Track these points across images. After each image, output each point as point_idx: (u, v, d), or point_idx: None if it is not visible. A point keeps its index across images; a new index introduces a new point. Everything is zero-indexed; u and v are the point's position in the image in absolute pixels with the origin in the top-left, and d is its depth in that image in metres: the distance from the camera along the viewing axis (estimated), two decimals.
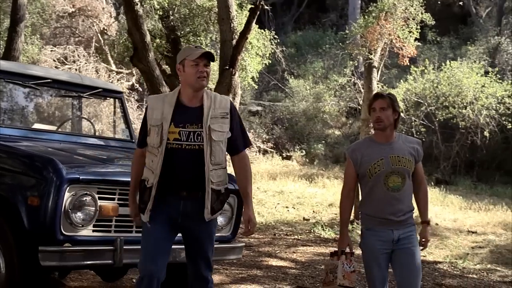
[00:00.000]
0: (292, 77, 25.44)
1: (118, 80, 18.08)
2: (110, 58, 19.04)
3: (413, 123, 19.87)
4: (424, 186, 4.60)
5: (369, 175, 4.35)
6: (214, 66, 17.24)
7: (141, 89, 19.19)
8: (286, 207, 13.65)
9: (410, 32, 17.39)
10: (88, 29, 19.63)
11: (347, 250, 4.46)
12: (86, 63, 17.72)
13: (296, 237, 10.64)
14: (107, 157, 5.36)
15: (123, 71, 18.72)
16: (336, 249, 4.55)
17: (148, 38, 11.21)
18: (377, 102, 4.41)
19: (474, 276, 8.63)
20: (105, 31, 19.32)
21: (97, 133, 6.84)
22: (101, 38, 19.18)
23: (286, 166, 20.12)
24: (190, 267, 4.21)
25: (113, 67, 18.89)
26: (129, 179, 4.31)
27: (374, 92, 18.71)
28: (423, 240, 4.48)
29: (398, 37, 17.37)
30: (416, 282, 4.35)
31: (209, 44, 16.72)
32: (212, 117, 4.02)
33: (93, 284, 6.23)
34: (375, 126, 4.42)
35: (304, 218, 12.57)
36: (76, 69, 17.02)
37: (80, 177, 4.38)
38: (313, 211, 13.33)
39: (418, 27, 17.35)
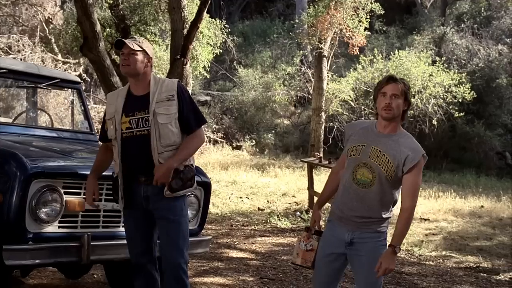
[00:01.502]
0: (241, 67, 25.35)
1: (65, 70, 17.64)
2: (56, 48, 18.59)
3: (362, 112, 20.06)
4: (407, 204, 3.75)
5: (346, 156, 3.93)
6: (164, 56, 17.09)
7: (89, 79, 18.81)
8: (240, 197, 13.59)
9: (359, 21, 17.54)
10: (32, 18, 19.11)
11: (316, 227, 4.05)
12: (31, 52, 17.25)
13: (253, 227, 10.59)
14: (69, 150, 5.16)
15: (70, 61, 18.32)
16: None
17: (98, 27, 10.95)
18: (389, 86, 3.81)
19: (431, 263, 8.74)
20: (50, 20, 18.85)
21: (54, 125, 6.62)
22: (46, 27, 18.71)
23: (237, 156, 20.07)
24: (161, 253, 4.22)
25: (59, 57, 18.44)
26: None
27: (325, 81, 18.92)
28: (380, 264, 3.70)
29: (348, 26, 17.50)
30: None
31: (158, 34, 16.50)
32: (158, 101, 4.13)
33: (53, 281, 6.04)
34: (382, 114, 3.81)
35: (259, 208, 12.54)
36: (21, 59, 16.54)
37: (45, 171, 4.22)
38: (268, 201, 13.31)
39: (368, 16, 17.49)
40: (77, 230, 4.41)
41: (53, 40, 18.67)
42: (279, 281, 6.82)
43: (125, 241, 4.34)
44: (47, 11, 18.88)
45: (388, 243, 3.79)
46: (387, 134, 3.84)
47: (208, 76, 19.54)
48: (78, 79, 6.40)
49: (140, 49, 4.16)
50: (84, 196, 4.37)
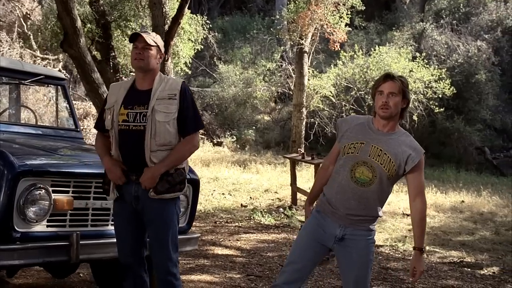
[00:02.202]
0: (221, 63, 25.28)
1: (43, 66, 17.45)
2: (34, 44, 18.37)
3: (343, 108, 20.10)
4: (419, 205, 3.76)
5: (342, 153, 3.83)
6: None
7: (68, 76, 18.61)
8: (223, 194, 13.54)
9: (340, 17, 17.55)
10: (10, 13, 18.85)
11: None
12: (9, 49, 17.01)
13: (237, 224, 10.54)
14: (56, 147, 5.07)
15: (49, 57, 18.11)
16: None
17: (79, 23, 10.83)
18: (386, 84, 3.75)
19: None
20: (28, 16, 18.61)
21: (38, 122, 6.51)
22: (24, 23, 18.48)
23: (218, 153, 20.02)
24: (151, 255, 4.16)
25: (38, 53, 18.23)
26: (84, 171, 4.48)
27: (306, 77, 18.93)
28: (414, 269, 3.75)
29: (329, 22, 17.51)
30: None
31: (138, 29, 16.35)
32: (159, 98, 4.04)
33: (39, 281, 5.95)
34: (379, 112, 3.76)
35: (241, 204, 12.49)
36: None
37: (33, 170, 4.13)
38: (250, 198, 13.27)
39: (349, 12, 17.51)
40: (66, 229, 4.32)
41: (31, 36, 18.44)
42: (266, 278, 6.80)
43: (114, 240, 4.28)
44: (25, 6, 18.63)
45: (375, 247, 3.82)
46: (386, 133, 3.80)
47: (190, 72, 19.45)
48: (62, 75, 6.30)
49: (155, 44, 4.08)
50: (72, 195, 4.30)
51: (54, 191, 4.25)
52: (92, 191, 4.43)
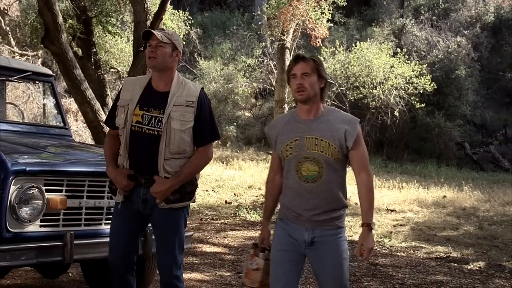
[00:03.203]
0: (201, 59, 25.17)
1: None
2: (12, 40, 18.12)
3: (325, 104, 20.07)
4: (365, 178, 3.56)
5: (282, 158, 3.62)
6: (126, 48, 16.85)
7: None
8: (207, 190, 13.48)
9: (322, 13, 17.53)
10: None
11: (264, 243, 3.77)
12: None
13: (222, 221, 10.50)
14: (47, 145, 4.99)
15: (28, 53, 17.87)
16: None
17: (60, 18, 10.69)
18: (298, 66, 3.54)
19: (403, 254, 8.77)
20: (6, 12, 18.36)
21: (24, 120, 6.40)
22: (1, 19, 18.21)
23: None
24: (157, 259, 4.09)
25: (17, 49, 17.99)
26: (77, 169, 4.38)
27: None
28: (362, 246, 3.53)
29: (311, 18, 17.48)
30: None
31: (120, 25, 16.22)
32: (176, 104, 3.88)
33: (27, 281, 5.86)
34: (296, 96, 3.56)
35: (226, 201, 12.45)
36: None
37: (27, 169, 4.03)
38: (234, 194, 13.23)
39: (330, 8, 17.49)
40: (59, 228, 4.25)
41: (9, 32, 18.19)
42: None
43: (108, 239, 4.16)
44: (2, 2, 18.38)
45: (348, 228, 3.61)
46: (314, 118, 3.57)
47: None
48: (50, 72, 6.19)
49: (169, 41, 3.89)
50: (65, 194, 4.22)
51: (47, 190, 4.17)
52: (85, 189, 4.36)
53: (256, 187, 14.04)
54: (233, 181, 14.65)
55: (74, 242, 4.17)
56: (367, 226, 3.53)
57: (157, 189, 3.83)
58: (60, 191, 4.25)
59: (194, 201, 4.39)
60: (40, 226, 4.16)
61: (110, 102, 13.74)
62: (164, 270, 4.01)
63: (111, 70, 18.01)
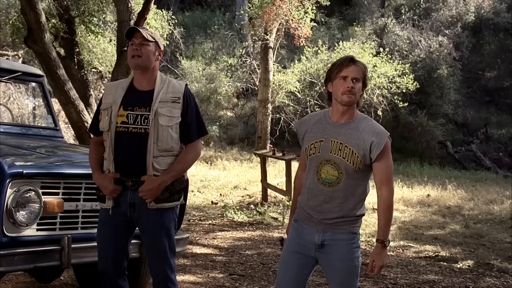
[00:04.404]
0: (183, 58, 25.04)
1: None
2: None
3: (308, 103, 20.09)
4: (385, 193, 3.50)
5: (306, 156, 3.57)
6: (109, 48, 16.67)
7: None
8: (192, 191, 13.38)
9: (306, 12, 17.50)
10: None
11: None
12: None
13: (210, 222, 10.45)
14: (41, 147, 4.89)
15: (8, 53, 17.63)
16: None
17: (43, 18, 10.61)
18: (350, 69, 3.44)
19: (392, 253, 8.77)
20: None
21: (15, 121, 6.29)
22: None
23: None
24: (149, 265, 3.99)
25: None
26: (74, 171, 4.30)
27: (271, 72, 18.82)
28: (374, 263, 3.48)
29: (294, 17, 17.44)
30: None
31: (103, 25, 16.08)
32: (162, 100, 3.83)
33: (18, 285, 5.75)
34: (343, 98, 3.44)
35: (212, 202, 12.40)
36: None
37: (24, 171, 3.94)
38: (220, 195, 13.18)
39: (314, 8, 17.47)
40: (56, 232, 4.16)
41: None
42: (249, 277, 6.72)
43: None
44: None
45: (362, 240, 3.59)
46: (345, 123, 3.51)
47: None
48: (40, 72, 6.08)
49: (153, 40, 3.86)
50: (62, 197, 4.14)
51: (44, 193, 4.08)
52: (82, 192, 4.27)
53: (241, 187, 14.01)
54: (218, 181, 14.59)
55: (72, 246, 4.08)
56: (382, 243, 3.49)
57: (148, 187, 3.74)
58: (57, 194, 4.16)
59: (184, 202, 4.32)
60: (37, 230, 4.07)
61: (93, 102, 13.61)
62: (158, 275, 3.92)
63: (93, 70, 17.84)
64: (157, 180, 3.75)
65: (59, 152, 4.92)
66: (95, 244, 4.25)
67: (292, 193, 3.91)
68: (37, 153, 4.55)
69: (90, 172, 4.08)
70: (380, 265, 3.47)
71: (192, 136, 3.93)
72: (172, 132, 3.82)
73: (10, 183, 3.88)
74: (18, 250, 3.91)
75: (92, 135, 4.09)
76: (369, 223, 11.15)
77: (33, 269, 4.14)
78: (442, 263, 8.21)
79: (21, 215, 3.96)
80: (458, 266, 8.06)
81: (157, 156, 3.77)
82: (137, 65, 3.84)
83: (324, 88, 19.50)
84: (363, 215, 3.61)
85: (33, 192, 4.00)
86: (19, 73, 5.68)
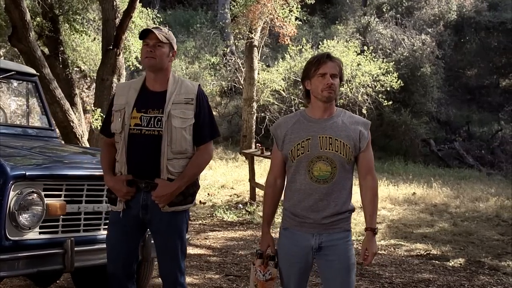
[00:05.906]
0: None
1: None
2: None
3: (292, 102, 20.05)
4: (371, 182, 3.58)
5: (291, 159, 3.50)
6: (93, 46, 16.49)
7: None
8: None
9: (290, 11, 17.48)
10: None
11: (268, 252, 3.62)
12: None
13: (200, 222, 10.39)
14: (40, 148, 4.80)
15: None
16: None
17: (28, 16, 10.48)
18: (328, 65, 3.46)
19: (384, 252, 8.77)
20: None
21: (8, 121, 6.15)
22: None
23: None
24: (159, 267, 3.91)
25: None
26: (76, 173, 4.21)
27: (256, 71, 18.78)
28: (366, 251, 3.51)
29: (279, 16, 17.42)
30: None
31: (87, 24, 15.91)
32: (175, 102, 3.77)
33: None
34: (323, 94, 3.46)
35: (200, 201, 12.30)
36: None
37: (26, 173, 3.85)
38: (208, 194, 13.09)
39: (299, 6, 17.45)
40: (59, 235, 4.08)
41: None
42: (245, 278, 6.67)
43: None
44: None
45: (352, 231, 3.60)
46: (328, 118, 3.53)
47: (140, 67, 19.06)
48: (34, 71, 5.97)
49: (167, 41, 3.82)
50: (65, 199, 4.05)
51: (46, 196, 3.99)
52: (84, 194, 4.19)
53: (229, 186, 13.94)
54: (205, 180, 14.48)
55: (75, 249, 4.00)
56: (372, 230, 3.52)
57: (162, 192, 3.69)
58: (59, 196, 4.07)
59: (194, 204, 4.25)
60: (40, 233, 3.99)
61: (78, 102, 13.44)
62: (168, 278, 3.87)
63: (76, 69, 17.65)
64: (171, 186, 3.70)
65: (60, 153, 4.83)
66: (98, 247, 4.22)
67: (263, 204, 3.81)
68: (37, 155, 4.46)
69: (92, 173, 4.01)
70: (373, 252, 3.51)
71: (204, 138, 3.88)
72: (186, 134, 3.77)
73: (13, 186, 3.79)
74: (21, 254, 3.82)
75: (102, 137, 4.03)
76: (358, 221, 11.10)
77: (36, 273, 4.04)
78: (434, 261, 8.22)
79: (24, 218, 3.88)
80: (451, 264, 8.08)
81: (171, 158, 3.73)
82: (151, 65, 3.80)
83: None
84: (354, 210, 3.60)
85: (35, 195, 3.92)
86: (13, 72, 5.58)
